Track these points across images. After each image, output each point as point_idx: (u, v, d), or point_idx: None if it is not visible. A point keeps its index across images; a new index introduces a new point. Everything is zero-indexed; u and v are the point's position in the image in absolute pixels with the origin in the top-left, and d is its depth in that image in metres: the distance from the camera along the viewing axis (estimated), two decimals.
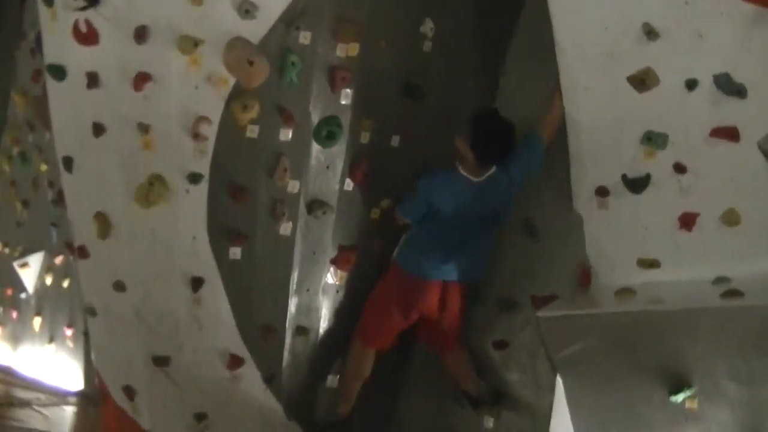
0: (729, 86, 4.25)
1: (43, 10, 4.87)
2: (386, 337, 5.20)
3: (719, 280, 4.34)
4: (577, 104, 4.72)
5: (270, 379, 5.13)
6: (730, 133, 4.30)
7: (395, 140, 5.29)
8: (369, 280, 5.26)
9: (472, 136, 4.86)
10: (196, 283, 4.90)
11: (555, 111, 4.84)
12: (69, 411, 6.73)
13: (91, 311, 5.24)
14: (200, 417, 5.07)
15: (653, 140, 4.50)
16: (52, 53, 4.90)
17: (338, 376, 5.35)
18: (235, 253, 4.92)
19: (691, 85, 4.35)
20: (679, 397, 4.22)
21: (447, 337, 5.20)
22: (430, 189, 5.01)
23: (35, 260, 7.87)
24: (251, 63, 4.63)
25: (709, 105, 4.34)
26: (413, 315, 5.13)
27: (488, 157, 4.89)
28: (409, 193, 5.08)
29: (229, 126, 4.76)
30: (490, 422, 5.21)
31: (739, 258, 4.35)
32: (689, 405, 4.23)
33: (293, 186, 4.98)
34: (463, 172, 4.94)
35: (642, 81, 4.46)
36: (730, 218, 4.35)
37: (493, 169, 4.93)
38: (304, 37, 4.81)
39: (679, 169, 4.46)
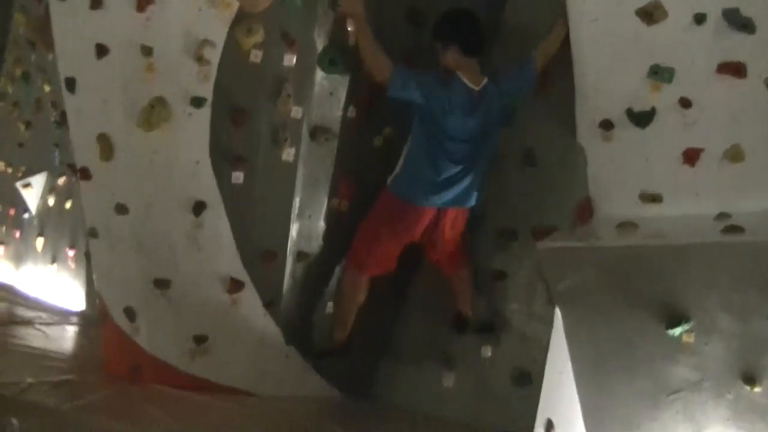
0: (737, 21, 4.21)
1: None
2: (381, 263, 5.18)
3: (721, 216, 4.33)
4: (583, 36, 4.68)
5: (269, 303, 5.17)
6: (736, 69, 4.27)
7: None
8: (371, 207, 5.24)
9: (443, 29, 4.93)
10: (198, 207, 4.91)
11: (554, 35, 4.85)
12: (70, 330, 6.77)
13: (92, 233, 5.25)
14: (200, 339, 5.11)
15: (659, 74, 4.47)
16: None
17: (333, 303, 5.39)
18: (238, 177, 4.93)
19: (700, 19, 4.31)
20: (677, 331, 4.23)
21: (450, 260, 5.23)
22: (430, 79, 4.88)
23: (38, 181, 7.89)
24: None
25: (716, 40, 4.30)
26: (406, 241, 5.12)
27: (467, 37, 4.90)
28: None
29: (232, 50, 4.75)
30: (488, 351, 5.24)
31: (741, 194, 4.33)
32: (686, 339, 4.25)
33: (296, 112, 4.97)
34: (463, 79, 4.88)
35: (650, 14, 4.42)
36: (734, 154, 4.33)
37: (486, 80, 4.91)
38: None
39: (685, 103, 4.43)
